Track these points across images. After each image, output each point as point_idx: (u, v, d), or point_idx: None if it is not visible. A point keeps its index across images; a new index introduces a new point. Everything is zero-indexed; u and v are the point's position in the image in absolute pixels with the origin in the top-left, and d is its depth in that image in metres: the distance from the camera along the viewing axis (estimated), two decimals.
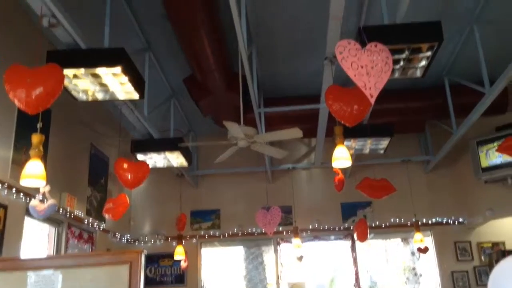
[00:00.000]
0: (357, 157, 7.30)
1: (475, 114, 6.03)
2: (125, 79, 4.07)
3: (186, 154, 6.52)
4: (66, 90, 4.24)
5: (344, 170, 6.60)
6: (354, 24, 5.22)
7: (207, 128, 7.99)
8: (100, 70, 3.93)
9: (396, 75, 4.42)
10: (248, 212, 7.88)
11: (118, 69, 3.90)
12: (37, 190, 3.86)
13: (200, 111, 6.75)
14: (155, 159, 6.50)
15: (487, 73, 5.58)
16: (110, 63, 3.87)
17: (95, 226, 6.56)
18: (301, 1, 5.12)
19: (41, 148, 3.04)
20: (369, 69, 3.05)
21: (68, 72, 3.90)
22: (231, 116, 6.46)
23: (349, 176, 7.87)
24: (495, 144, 7.01)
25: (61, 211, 5.55)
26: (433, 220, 7.95)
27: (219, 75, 5.78)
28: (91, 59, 3.93)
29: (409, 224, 7.74)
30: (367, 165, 7.93)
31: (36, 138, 3.03)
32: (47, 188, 3.69)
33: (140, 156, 6.31)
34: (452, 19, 5.50)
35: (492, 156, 7.13)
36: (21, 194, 4.69)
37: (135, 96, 4.43)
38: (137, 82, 4.31)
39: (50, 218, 5.37)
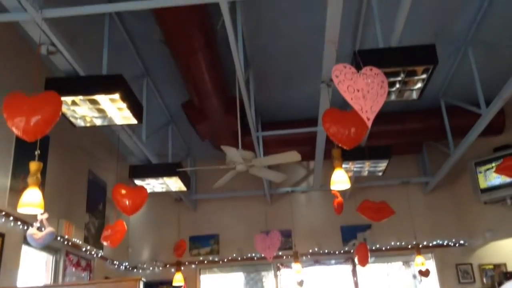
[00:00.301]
0: (356, 179, 7.30)
1: (472, 135, 6.06)
2: (123, 105, 4.09)
3: (185, 178, 6.51)
4: (64, 117, 4.26)
5: (343, 193, 6.58)
6: (349, 48, 5.28)
7: (205, 152, 8.00)
8: (99, 97, 3.95)
9: (393, 97, 4.46)
10: (247, 237, 7.82)
11: (116, 96, 3.93)
12: (34, 217, 3.84)
13: (198, 135, 6.76)
14: (153, 184, 6.48)
15: (483, 94, 5.62)
16: (108, 90, 3.90)
17: (93, 253, 6.50)
18: (297, 26, 5.19)
19: (39, 175, 3.03)
20: (365, 93, 3.07)
21: (67, 98, 3.92)
22: (229, 140, 6.48)
23: (348, 198, 7.84)
24: (493, 164, 7.02)
25: (58, 238, 5.50)
26: (434, 242, 7.89)
27: (217, 100, 5.82)
28: (89, 86, 3.95)
29: (409, 246, 7.69)
30: (366, 187, 7.92)
31: (34, 166, 3.02)
32: (45, 216, 3.66)
33: (138, 182, 6.30)
34: (446, 41, 5.58)
35: (490, 177, 7.12)
36: (19, 222, 4.66)
37: (133, 121, 4.45)
38: (135, 107, 4.33)
39: (47, 246, 5.31)
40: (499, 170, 4.45)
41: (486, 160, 7.22)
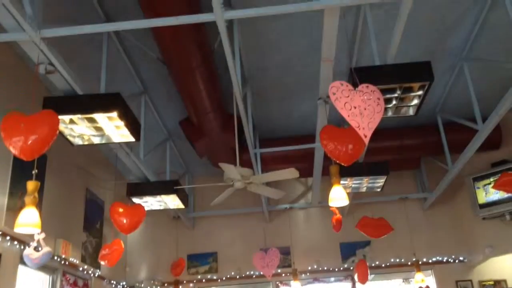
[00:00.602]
0: (354, 195, 7.28)
1: (470, 150, 6.07)
2: (121, 123, 4.10)
3: (183, 196, 6.49)
4: (62, 135, 4.26)
5: (341, 209, 6.56)
6: (346, 65, 5.32)
7: (203, 169, 8.00)
8: (97, 115, 3.96)
9: (390, 113, 4.48)
10: (246, 254, 7.76)
11: (114, 114, 3.94)
12: (31, 237, 3.81)
13: (196, 152, 6.76)
14: (151, 202, 6.45)
15: (479, 110, 5.65)
16: (106, 108, 3.91)
17: (90, 273, 6.43)
18: (294, 44, 5.24)
19: (36, 195, 3.02)
20: (362, 110, 3.09)
21: (65, 117, 3.93)
22: (227, 157, 6.48)
23: (347, 215, 7.81)
24: (491, 180, 7.02)
25: (55, 258, 5.45)
26: (434, 258, 7.84)
27: (215, 117, 5.83)
28: (87, 104, 3.97)
29: (409, 263, 7.63)
30: (364, 203, 7.90)
31: (31, 185, 3.01)
32: (42, 236, 3.64)
33: (135, 200, 6.27)
34: (442, 58, 5.63)
35: (489, 193, 7.12)
36: (16, 241, 4.62)
37: (131, 139, 4.45)
38: (133, 125, 4.34)
39: (44, 266, 5.24)
40: (497, 186, 4.44)
41: (484, 175, 7.22)
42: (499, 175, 5.28)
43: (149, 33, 4.47)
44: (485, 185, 7.22)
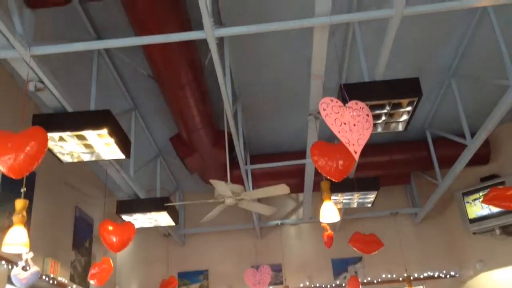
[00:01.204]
0: (345, 210, 7.29)
1: (459, 165, 6.12)
2: (111, 140, 4.08)
3: (173, 213, 6.44)
4: (51, 153, 4.22)
5: (333, 225, 6.57)
6: (335, 81, 5.37)
7: (194, 185, 7.96)
8: (86, 132, 3.94)
9: (379, 129, 4.52)
10: (237, 271, 7.70)
11: (104, 131, 3.92)
12: (19, 256, 3.75)
13: (187, 169, 6.73)
14: (141, 220, 6.39)
15: (468, 125, 5.72)
16: (96, 126, 3.90)
17: None
18: (283, 60, 5.28)
19: (24, 213, 2.99)
20: (351, 126, 3.12)
21: (54, 135, 3.90)
22: (218, 173, 6.47)
23: (338, 231, 7.81)
24: (481, 194, 7.05)
25: (44, 277, 5.35)
26: (425, 274, 7.83)
27: (205, 133, 5.83)
28: (77, 122, 3.94)
29: (401, 279, 7.61)
30: (356, 219, 7.90)
31: (19, 204, 2.98)
32: (30, 255, 3.58)
33: (125, 217, 6.21)
34: (430, 74, 5.70)
35: (478, 207, 7.15)
36: (3, 261, 4.53)
37: (121, 156, 4.43)
38: (123, 142, 4.33)
39: (32, 286, 5.17)
40: (486, 201, 4.46)
41: (473, 190, 7.26)
42: (488, 189, 5.31)
43: (139, 50, 4.49)
44: (474, 199, 7.25)
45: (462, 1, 3.56)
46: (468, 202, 7.28)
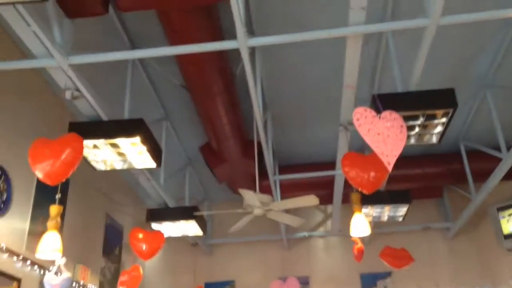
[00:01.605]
0: (375, 224, 7.16)
1: (494, 179, 5.94)
2: (143, 148, 4.13)
3: (201, 222, 6.46)
4: (85, 160, 4.30)
5: (362, 238, 6.45)
6: (367, 92, 5.30)
7: (222, 195, 7.97)
8: (120, 140, 4.00)
9: (412, 141, 4.43)
10: (264, 283, 7.63)
11: (137, 139, 3.97)
12: (51, 262, 3.81)
13: (216, 178, 6.75)
14: (170, 228, 6.42)
15: (503, 138, 5.56)
16: (129, 134, 3.96)
17: None
18: (315, 70, 5.25)
19: (59, 219, 3.04)
20: (385, 137, 3.07)
21: (88, 142, 3.98)
22: (246, 183, 6.46)
23: (368, 244, 7.66)
24: None
25: (74, 284, 5.42)
26: None
27: (235, 143, 5.85)
28: (111, 130, 4.02)
29: None
30: (386, 233, 7.74)
31: (54, 210, 3.04)
32: (63, 261, 3.63)
33: (154, 225, 6.26)
34: (465, 85, 5.57)
35: None
36: (36, 266, 4.62)
37: (152, 165, 4.47)
38: (155, 151, 4.37)
39: None
40: None
41: (509, 205, 7.04)
42: None
43: (172, 59, 4.55)
44: (510, 214, 7.03)
45: (499, 11, 3.48)
46: (503, 217, 7.06)
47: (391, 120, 3.20)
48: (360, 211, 4.44)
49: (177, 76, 4.94)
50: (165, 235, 5.38)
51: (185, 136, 6.52)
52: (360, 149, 5.59)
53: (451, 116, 4.03)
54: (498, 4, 3.54)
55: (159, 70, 5.03)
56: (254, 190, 5.03)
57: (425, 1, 3.38)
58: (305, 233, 8.18)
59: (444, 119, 4.08)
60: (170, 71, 4.98)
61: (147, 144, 4.12)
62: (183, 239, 7.85)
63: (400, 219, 6.69)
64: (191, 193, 7.13)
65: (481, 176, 6.34)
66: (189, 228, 6.44)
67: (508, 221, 7.03)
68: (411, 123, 4.07)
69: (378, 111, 3.27)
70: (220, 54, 4.31)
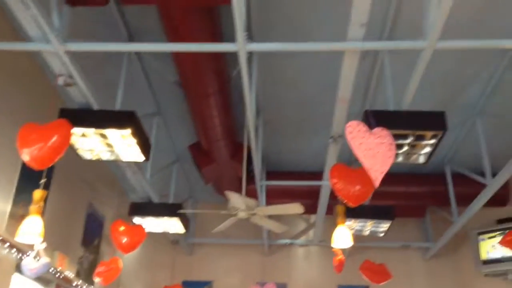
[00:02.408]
0: (356, 238, 7.18)
1: (476, 205, 6.01)
2: (133, 141, 4.12)
3: (184, 220, 6.45)
4: (72, 148, 4.28)
5: (342, 251, 6.48)
6: (359, 107, 5.34)
7: (207, 195, 7.97)
8: (109, 131, 3.99)
9: (400, 159, 4.46)
10: (242, 286, 7.64)
11: (127, 131, 3.96)
12: (30, 246, 3.78)
13: (202, 178, 6.75)
14: (152, 224, 6.40)
15: (489, 165, 5.62)
16: (120, 125, 3.94)
17: None
18: (310, 81, 5.29)
19: (42, 204, 3.03)
20: (375, 152, 3.10)
21: (78, 130, 3.96)
22: (233, 186, 6.46)
23: (347, 257, 7.68)
24: (496, 236, 6.92)
25: (51, 270, 5.37)
26: None
27: (225, 145, 5.85)
28: (102, 120, 4.00)
29: None
30: (366, 247, 7.78)
31: (38, 194, 3.03)
32: (43, 246, 3.61)
33: (137, 219, 6.23)
34: (455, 110, 5.62)
35: (492, 249, 7.00)
36: (14, 249, 4.57)
37: (141, 158, 4.46)
38: (144, 145, 4.36)
39: (39, 277, 5.20)
40: (504, 243, 4.39)
41: (489, 231, 7.13)
42: (505, 232, 5.22)
43: (169, 56, 4.55)
44: (489, 242, 7.11)
45: (494, 41, 3.54)
46: (482, 243, 7.14)
47: (382, 137, 3.24)
48: (344, 223, 4.47)
49: (173, 73, 4.94)
50: (146, 230, 5.36)
51: (175, 133, 6.51)
52: (348, 162, 5.62)
53: (440, 139, 4.07)
54: (495, 33, 3.61)
55: (155, 65, 5.02)
56: (240, 193, 5.04)
57: (424, 23, 3.42)
58: (287, 241, 8.20)
59: (433, 141, 4.13)
60: (166, 67, 4.97)
61: (137, 137, 4.11)
62: (164, 236, 7.83)
63: (381, 234, 6.73)
64: (176, 191, 7.12)
65: (464, 200, 6.41)
66: (172, 225, 6.42)
67: (487, 246, 7.11)
68: (400, 141, 4.11)
69: (370, 127, 3.31)
70: (218, 55, 4.33)
